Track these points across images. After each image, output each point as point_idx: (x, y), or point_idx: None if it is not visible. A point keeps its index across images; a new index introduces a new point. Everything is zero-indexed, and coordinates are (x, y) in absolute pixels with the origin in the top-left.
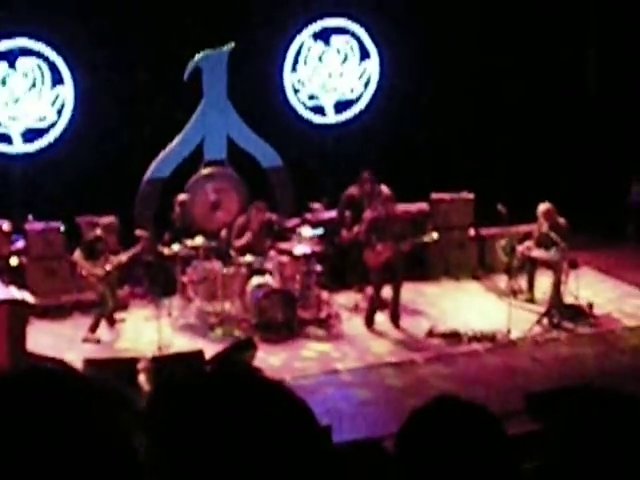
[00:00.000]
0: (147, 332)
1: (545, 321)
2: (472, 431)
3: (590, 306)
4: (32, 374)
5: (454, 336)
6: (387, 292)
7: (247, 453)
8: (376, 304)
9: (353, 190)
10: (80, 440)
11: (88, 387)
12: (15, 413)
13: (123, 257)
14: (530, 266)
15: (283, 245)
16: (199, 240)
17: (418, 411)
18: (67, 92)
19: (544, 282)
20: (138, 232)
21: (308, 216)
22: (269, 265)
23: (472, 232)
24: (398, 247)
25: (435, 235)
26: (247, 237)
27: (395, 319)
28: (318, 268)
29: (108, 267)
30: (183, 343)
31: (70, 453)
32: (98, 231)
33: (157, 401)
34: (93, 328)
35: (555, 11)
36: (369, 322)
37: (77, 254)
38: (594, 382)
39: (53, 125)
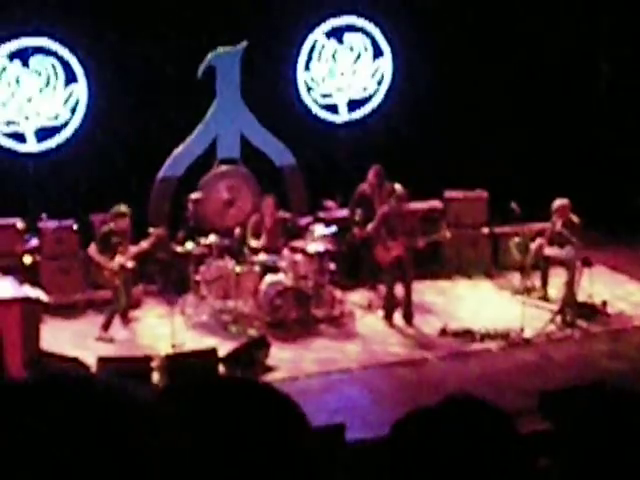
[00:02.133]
0: (161, 330)
1: (558, 319)
2: (484, 429)
3: (604, 304)
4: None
5: (467, 334)
6: (399, 290)
7: (239, 458)
8: (392, 301)
9: (364, 187)
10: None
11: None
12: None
13: (134, 249)
14: (543, 264)
15: (296, 243)
16: (212, 238)
17: (430, 409)
18: (80, 90)
19: (557, 280)
20: (152, 230)
21: (321, 214)
22: (282, 263)
23: (486, 230)
24: (409, 245)
25: (448, 234)
26: (263, 239)
27: (408, 317)
28: (331, 266)
29: (123, 260)
30: (197, 341)
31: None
32: (112, 224)
33: (164, 404)
34: (106, 326)
35: (568, 12)
36: (389, 318)
37: (92, 248)
38: (607, 380)
39: (66, 124)
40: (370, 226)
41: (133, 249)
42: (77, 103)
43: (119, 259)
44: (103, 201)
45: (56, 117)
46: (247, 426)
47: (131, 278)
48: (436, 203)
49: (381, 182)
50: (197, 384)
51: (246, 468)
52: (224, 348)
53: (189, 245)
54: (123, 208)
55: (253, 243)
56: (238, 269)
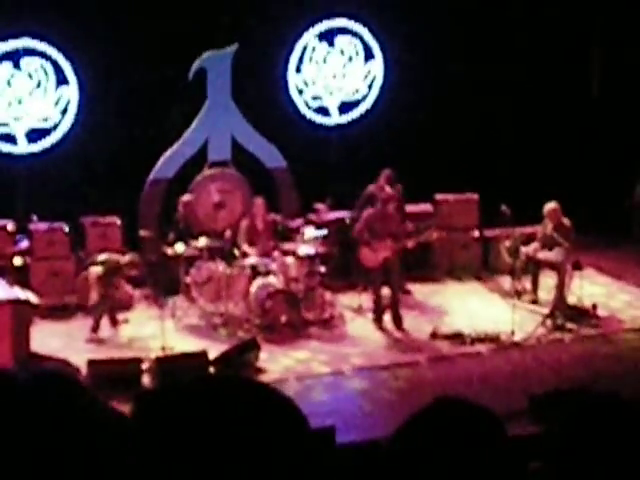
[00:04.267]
0: (151, 332)
1: (549, 322)
2: (473, 432)
3: (594, 307)
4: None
5: (458, 337)
6: (386, 293)
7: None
8: (380, 303)
9: (372, 189)
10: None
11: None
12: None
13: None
14: (534, 267)
15: (287, 246)
16: (203, 241)
17: (420, 412)
18: (71, 92)
19: (548, 283)
20: (142, 232)
21: (312, 217)
22: (273, 266)
23: (476, 233)
24: (398, 246)
25: (435, 235)
26: (257, 247)
27: (396, 320)
28: (322, 269)
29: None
30: (187, 344)
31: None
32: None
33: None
34: (95, 328)
35: (560, 12)
36: (378, 321)
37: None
38: (597, 383)
39: (57, 125)
40: (355, 228)
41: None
42: (68, 105)
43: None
44: (94, 203)
45: (47, 119)
46: (246, 425)
47: (112, 279)
48: (427, 206)
49: (391, 186)
50: (192, 382)
51: (246, 467)
52: (214, 350)
53: (179, 247)
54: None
55: (247, 250)
56: (229, 271)
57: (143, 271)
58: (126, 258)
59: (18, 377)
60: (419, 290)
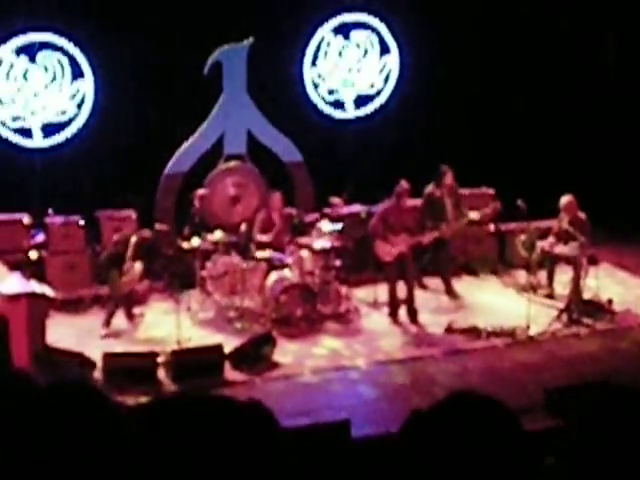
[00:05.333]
0: (166, 326)
1: (564, 317)
2: (488, 426)
3: (610, 302)
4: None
5: (473, 331)
6: (402, 287)
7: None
8: (395, 298)
9: (432, 189)
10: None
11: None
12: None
13: (133, 239)
14: (550, 261)
15: (302, 240)
16: (218, 234)
17: (435, 406)
18: (87, 86)
19: (564, 277)
20: (158, 226)
21: (327, 211)
22: (289, 260)
23: (492, 227)
24: (413, 241)
25: (450, 230)
26: (271, 235)
27: (412, 314)
28: (337, 263)
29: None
30: (202, 337)
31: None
32: (115, 237)
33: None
34: (107, 322)
35: (576, 4)
36: (394, 315)
37: (114, 279)
38: (613, 378)
39: (73, 119)
40: (370, 223)
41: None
42: (84, 99)
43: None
44: (109, 196)
45: (63, 112)
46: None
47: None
48: None
49: (453, 182)
50: (157, 401)
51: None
52: (230, 344)
53: (195, 241)
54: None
55: (261, 238)
56: (244, 265)
57: (157, 262)
58: (134, 238)
59: (37, 379)
60: (434, 284)
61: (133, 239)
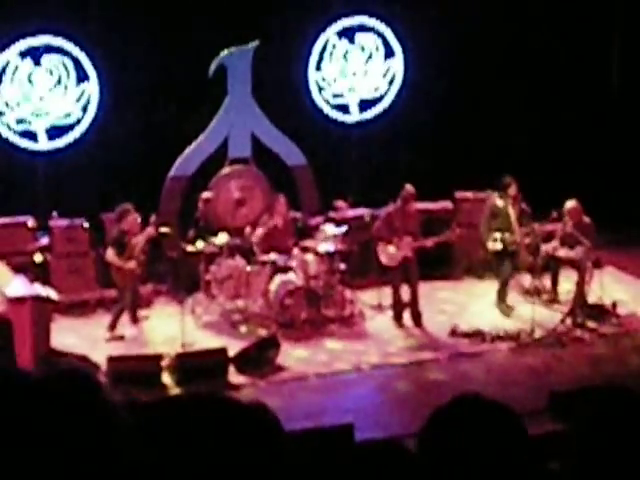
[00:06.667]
0: (171, 329)
1: (569, 320)
2: (492, 430)
3: (614, 306)
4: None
5: (477, 335)
6: (405, 291)
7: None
8: (399, 301)
9: (494, 199)
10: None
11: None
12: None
13: (140, 238)
14: (554, 265)
15: (307, 243)
16: (223, 238)
17: (440, 410)
18: (92, 89)
19: (568, 281)
20: (162, 229)
21: (332, 214)
22: (293, 263)
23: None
24: (418, 245)
25: (455, 234)
26: (265, 228)
27: (416, 318)
28: (342, 266)
29: (133, 264)
30: (207, 341)
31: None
32: (122, 225)
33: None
34: (113, 325)
35: (581, 7)
36: (398, 319)
37: (109, 253)
38: (617, 382)
39: (78, 122)
40: (374, 226)
41: (138, 239)
42: (88, 101)
43: (133, 257)
44: (114, 199)
45: (67, 115)
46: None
47: (139, 277)
48: (447, 204)
49: (518, 190)
50: (163, 401)
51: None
52: (234, 348)
53: (200, 244)
54: (126, 205)
55: (257, 232)
56: (249, 268)
57: (161, 265)
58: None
59: (33, 376)
60: (439, 288)
61: (140, 237)
